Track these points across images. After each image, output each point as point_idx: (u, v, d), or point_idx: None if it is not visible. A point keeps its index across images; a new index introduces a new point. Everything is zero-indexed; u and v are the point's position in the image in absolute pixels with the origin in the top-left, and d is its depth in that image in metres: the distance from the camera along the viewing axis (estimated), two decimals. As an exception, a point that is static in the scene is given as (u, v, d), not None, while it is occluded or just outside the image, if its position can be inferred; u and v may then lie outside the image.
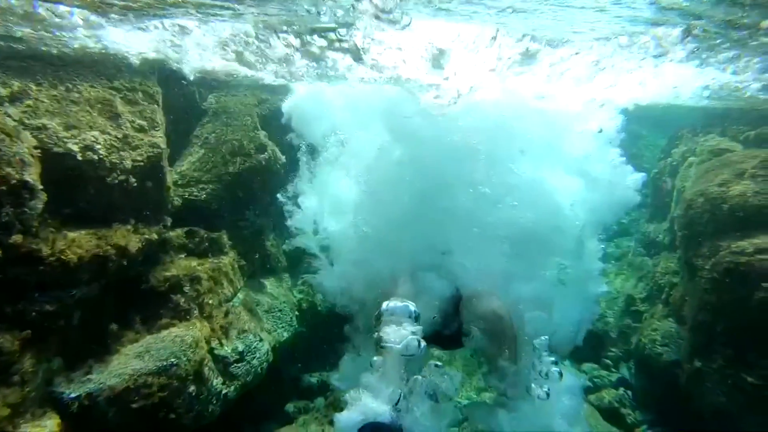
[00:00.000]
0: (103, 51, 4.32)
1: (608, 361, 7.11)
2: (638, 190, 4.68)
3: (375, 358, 3.01)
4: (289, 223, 4.94)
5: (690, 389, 5.06)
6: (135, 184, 4.22)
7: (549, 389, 3.37)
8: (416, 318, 3.13)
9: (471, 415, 5.55)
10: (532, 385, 3.39)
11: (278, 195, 5.09)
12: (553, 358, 3.50)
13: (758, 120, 6.37)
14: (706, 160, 6.38)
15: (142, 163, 4.18)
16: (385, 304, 3.14)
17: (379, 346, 3.01)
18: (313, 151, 5.20)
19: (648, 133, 10.19)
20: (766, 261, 4.41)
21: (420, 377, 2.96)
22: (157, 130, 4.46)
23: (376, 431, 2.68)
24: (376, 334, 3.07)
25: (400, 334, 3.01)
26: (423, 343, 2.99)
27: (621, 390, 6.63)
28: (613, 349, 7.31)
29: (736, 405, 4.46)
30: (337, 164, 4.80)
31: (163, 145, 4.51)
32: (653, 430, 6.02)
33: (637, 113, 5.45)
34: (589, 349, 6.77)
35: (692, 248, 5.31)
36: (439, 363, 3.05)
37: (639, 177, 4.66)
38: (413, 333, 3.02)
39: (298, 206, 4.92)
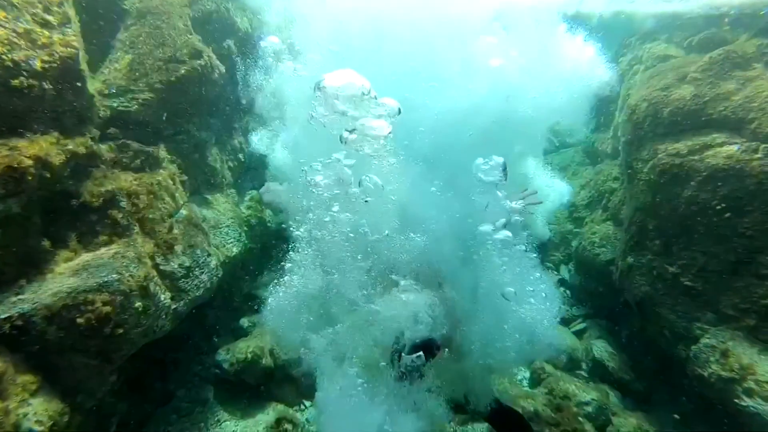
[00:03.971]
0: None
1: (550, 264, 7.59)
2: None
3: None
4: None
5: (621, 283, 5.50)
6: (50, 91, 3.77)
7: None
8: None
9: None
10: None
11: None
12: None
13: (703, 25, 6.40)
14: (651, 66, 6.45)
15: (54, 65, 3.69)
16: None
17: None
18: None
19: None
20: (697, 161, 4.64)
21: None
22: (68, 28, 3.91)
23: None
24: None
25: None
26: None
27: (561, 289, 7.17)
28: (555, 254, 7.77)
29: (657, 292, 4.91)
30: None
31: (79, 46, 3.99)
32: (587, 322, 6.63)
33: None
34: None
35: (634, 152, 5.51)
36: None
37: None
38: None
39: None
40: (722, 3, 6.08)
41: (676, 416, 5.03)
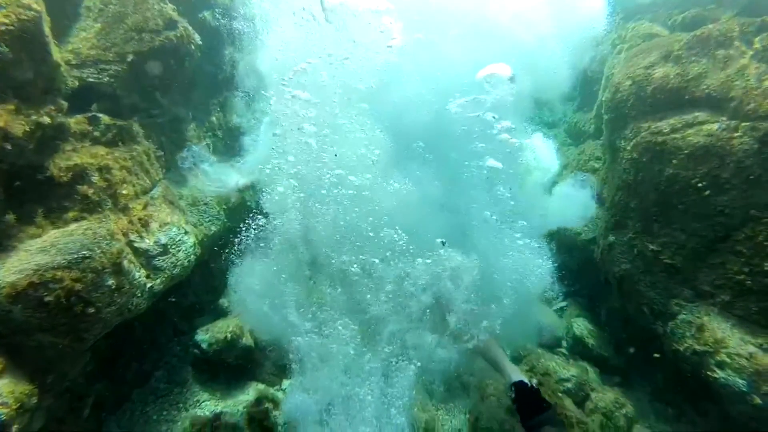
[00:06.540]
0: None
1: (532, 244, 7.61)
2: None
3: None
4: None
5: (603, 261, 5.55)
6: (9, 55, 3.54)
7: None
8: None
9: None
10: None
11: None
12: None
13: (687, 4, 6.37)
14: (635, 45, 6.41)
15: (12, 28, 3.47)
16: None
17: None
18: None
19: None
20: (679, 140, 4.64)
21: None
22: (28, -11, 3.67)
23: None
24: None
25: None
26: None
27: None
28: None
29: (636, 269, 4.96)
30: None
31: (40, 8, 3.76)
32: (566, 301, 6.71)
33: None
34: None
35: (617, 131, 5.49)
36: None
37: None
38: None
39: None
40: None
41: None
